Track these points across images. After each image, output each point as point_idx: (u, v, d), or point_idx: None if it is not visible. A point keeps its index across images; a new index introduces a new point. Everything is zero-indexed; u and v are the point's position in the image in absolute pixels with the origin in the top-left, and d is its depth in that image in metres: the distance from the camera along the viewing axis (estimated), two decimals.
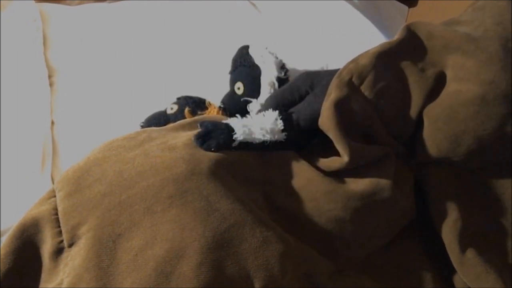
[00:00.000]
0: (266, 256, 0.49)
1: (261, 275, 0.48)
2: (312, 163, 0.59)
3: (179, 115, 0.70)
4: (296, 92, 0.63)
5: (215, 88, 0.78)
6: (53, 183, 0.74)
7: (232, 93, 0.71)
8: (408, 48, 0.60)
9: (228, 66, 0.78)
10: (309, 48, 0.97)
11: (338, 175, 0.58)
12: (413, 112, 0.60)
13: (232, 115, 0.66)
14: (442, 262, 0.59)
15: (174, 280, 0.46)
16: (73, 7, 1.04)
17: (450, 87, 0.58)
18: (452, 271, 0.58)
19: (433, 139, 0.59)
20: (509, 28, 0.57)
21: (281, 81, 0.69)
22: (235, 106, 0.70)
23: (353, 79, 0.59)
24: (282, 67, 0.70)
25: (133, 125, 0.73)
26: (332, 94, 0.58)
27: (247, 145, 0.58)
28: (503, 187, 0.61)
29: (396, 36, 0.62)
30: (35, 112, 0.82)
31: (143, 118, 0.74)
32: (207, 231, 0.48)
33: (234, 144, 0.57)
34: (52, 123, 0.82)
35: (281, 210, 0.55)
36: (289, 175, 0.58)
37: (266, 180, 0.57)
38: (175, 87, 0.85)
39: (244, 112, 0.68)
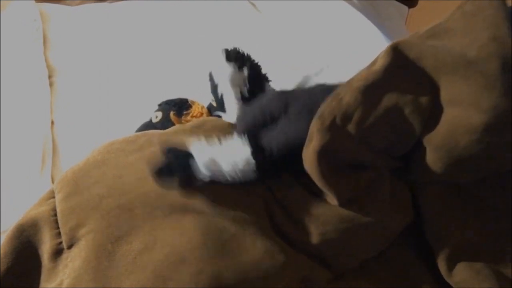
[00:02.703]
0: (267, 267, 0.48)
1: (260, 285, 0.48)
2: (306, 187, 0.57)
3: (165, 122, 0.69)
4: (267, 115, 0.58)
5: None
6: (53, 183, 0.74)
7: (211, 104, 0.70)
8: (396, 74, 0.54)
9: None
10: (309, 48, 0.97)
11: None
12: (411, 140, 0.55)
13: None
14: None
15: (172, 285, 0.46)
16: (73, 7, 1.04)
17: (449, 113, 0.54)
18: None
19: (434, 166, 0.55)
20: (508, 43, 0.52)
21: (245, 99, 0.64)
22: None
23: (337, 121, 0.52)
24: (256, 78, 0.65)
25: (133, 125, 0.73)
26: (314, 140, 0.52)
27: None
28: (495, 195, 0.60)
29: (381, 61, 0.54)
30: (35, 112, 0.83)
31: (143, 118, 0.74)
32: (208, 240, 0.48)
33: (198, 184, 0.52)
34: (52, 123, 0.83)
35: (278, 226, 0.55)
36: (283, 194, 0.56)
37: (266, 195, 0.56)
38: (175, 87, 0.86)
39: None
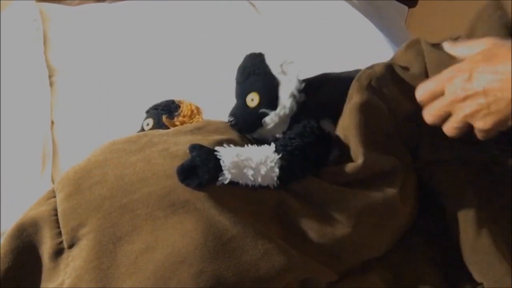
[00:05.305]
0: (267, 268, 0.48)
1: (260, 286, 0.48)
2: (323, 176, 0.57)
3: (158, 128, 0.66)
4: None
5: (215, 87, 0.78)
6: (53, 183, 0.74)
7: (243, 105, 0.60)
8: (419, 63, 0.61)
9: (227, 66, 0.78)
10: (309, 48, 0.97)
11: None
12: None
13: (244, 129, 0.60)
14: (444, 263, 0.59)
15: (173, 285, 0.46)
16: (73, 7, 1.05)
17: None
18: (455, 275, 0.58)
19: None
20: None
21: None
22: (248, 119, 0.60)
23: (373, 83, 0.60)
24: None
25: (133, 125, 0.73)
26: (354, 97, 0.58)
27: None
28: (504, 182, 0.61)
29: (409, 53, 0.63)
30: (35, 112, 0.83)
31: (143, 118, 0.74)
32: (209, 241, 0.48)
33: (217, 184, 0.51)
34: (52, 123, 0.83)
35: (291, 223, 0.55)
36: (299, 191, 0.56)
37: (278, 195, 0.55)
38: (175, 87, 0.86)
39: (257, 126, 0.60)
